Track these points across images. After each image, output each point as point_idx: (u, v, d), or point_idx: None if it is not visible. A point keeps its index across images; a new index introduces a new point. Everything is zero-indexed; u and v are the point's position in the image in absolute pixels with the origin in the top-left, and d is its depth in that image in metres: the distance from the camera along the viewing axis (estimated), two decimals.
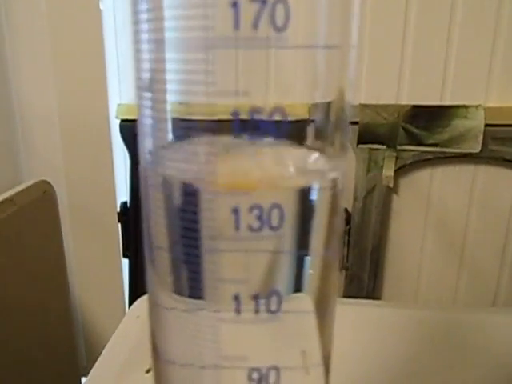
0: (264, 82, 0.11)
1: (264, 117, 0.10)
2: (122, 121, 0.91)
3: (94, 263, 0.98)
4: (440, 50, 0.83)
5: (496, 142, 0.84)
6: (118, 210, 0.95)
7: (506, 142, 0.84)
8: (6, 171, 0.91)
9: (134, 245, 0.95)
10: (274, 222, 0.11)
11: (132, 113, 0.90)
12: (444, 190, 0.89)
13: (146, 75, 0.12)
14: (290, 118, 0.11)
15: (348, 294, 0.89)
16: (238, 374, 0.13)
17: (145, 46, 0.12)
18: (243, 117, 0.10)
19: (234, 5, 0.09)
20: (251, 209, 0.11)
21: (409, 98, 0.85)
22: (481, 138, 0.83)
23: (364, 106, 0.84)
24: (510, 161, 0.85)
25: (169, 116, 0.12)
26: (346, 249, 0.88)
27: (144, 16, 0.11)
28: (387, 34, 0.83)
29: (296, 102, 0.12)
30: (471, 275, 0.92)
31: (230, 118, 0.11)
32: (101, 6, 0.87)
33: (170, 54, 0.11)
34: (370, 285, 0.91)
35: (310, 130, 0.13)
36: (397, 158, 0.86)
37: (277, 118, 0.10)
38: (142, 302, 0.42)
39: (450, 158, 0.86)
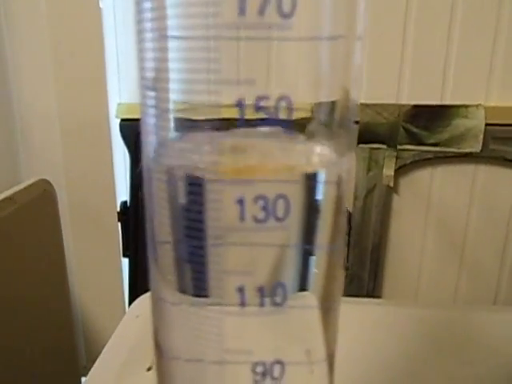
0: (268, 76, 0.11)
1: (270, 104, 0.10)
2: (122, 120, 0.91)
3: (93, 262, 0.98)
4: (440, 50, 0.83)
5: (496, 142, 0.84)
6: (118, 209, 0.95)
7: (506, 141, 0.84)
8: (5, 170, 0.91)
9: (133, 244, 0.95)
10: (280, 212, 0.11)
11: (132, 112, 0.90)
12: (444, 190, 0.89)
13: (150, 74, 0.12)
14: (294, 107, 0.10)
15: (348, 294, 0.89)
16: (242, 368, 0.12)
17: (148, 45, 0.12)
18: (249, 105, 0.10)
19: None
20: (256, 199, 0.11)
21: (409, 98, 0.85)
22: (481, 137, 0.83)
23: (364, 106, 0.84)
24: (510, 160, 0.85)
25: (172, 115, 0.12)
26: (346, 248, 0.88)
27: (148, 14, 0.11)
28: (387, 34, 0.83)
29: (300, 100, 0.12)
30: (471, 274, 0.92)
31: (235, 116, 0.11)
32: (101, 5, 0.87)
33: (173, 50, 0.11)
34: (371, 284, 0.91)
35: (314, 129, 0.12)
36: (397, 157, 0.86)
37: (283, 106, 0.10)
38: (142, 301, 0.42)
39: (451, 158, 0.86)
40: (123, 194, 0.96)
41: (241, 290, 0.11)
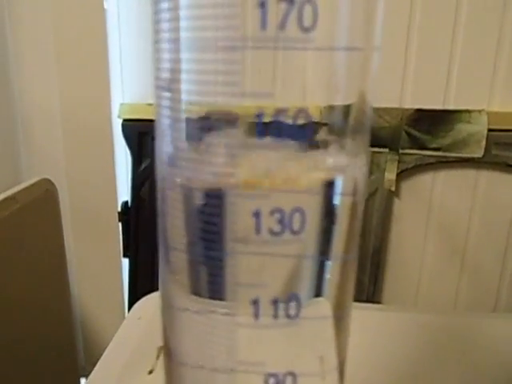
0: (287, 83, 0.11)
1: (288, 119, 0.10)
2: (125, 120, 0.91)
3: (94, 262, 0.98)
4: (444, 54, 0.83)
5: (499, 147, 0.84)
6: (119, 209, 0.95)
7: (508, 147, 0.84)
8: (7, 169, 0.91)
9: (134, 244, 0.95)
10: (296, 225, 0.11)
11: (134, 112, 0.90)
12: (446, 195, 0.89)
13: (166, 75, 0.12)
14: (312, 119, 0.10)
15: None
16: (254, 378, 0.12)
17: (165, 46, 0.12)
18: (266, 119, 0.10)
19: (262, 5, 0.09)
20: (272, 212, 0.11)
21: (412, 102, 0.85)
22: (484, 142, 0.83)
23: None
24: None
25: (188, 116, 0.12)
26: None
27: (165, 15, 0.11)
28: (391, 38, 0.83)
29: (317, 103, 0.12)
30: (472, 279, 0.92)
31: (252, 119, 0.11)
32: (105, 5, 0.87)
33: (191, 55, 0.11)
34: (371, 288, 0.91)
35: (325, 133, 0.12)
36: (399, 161, 0.86)
37: (300, 120, 0.10)
38: (144, 303, 0.42)
39: (453, 163, 0.86)
40: (124, 194, 0.96)
41: (255, 302, 0.11)
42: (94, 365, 0.34)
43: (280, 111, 0.10)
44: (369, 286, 0.91)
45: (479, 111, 0.83)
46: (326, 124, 0.12)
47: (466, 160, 0.85)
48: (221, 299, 0.12)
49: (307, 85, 0.11)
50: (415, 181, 0.89)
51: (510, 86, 0.83)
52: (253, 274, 0.12)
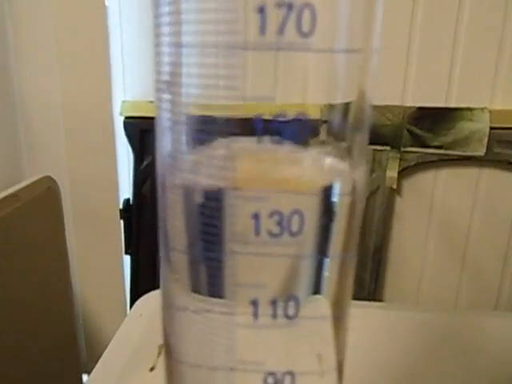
0: (288, 85, 0.11)
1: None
2: (126, 118, 0.91)
3: (95, 259, 0.98)
4: (446, 52, 0.83)
5: (501, 145, 0.84)
6: (121, 206, 0.95)
7: (510, 145, 0.84)
8: (8, 167, 0.91)
9: (136, 242, 0.96)
10: (294, 227, 0.11)
11: (136, 110, 0.90)
12: (448, 193, 0.89)
13: (167, 78, 0.12)
14: (311, 120, 0.10)
15: None
16: (253, 377, 0.13)
17: (165, 49, 0.12)
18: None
19: (261, 10, 0.09)
20: (271, 214, 0.11)
21: (414, 100, 0.85)
22: (486, 140, 0.83)
23: None
24: None
25: (188, 118, 0.12)
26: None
27: (166, 19, 0.11)
28: (393, 35, 0.82)
29: (317, 102, 0.12)
30: (473, 277, 0.92)
31: (251, 117, 0.11)
32: (106, 3, 0.87)
33: (192, 59, 0.11)
34: (372, 285, 0.91)
35: (325, 131, 0.13)
36: (401, 159, 0.86)
37: (300, 121, 0.10)
38: (145, 300, 0.42)
39: (455, 161, 0.86)
40: (126, 191, 0.96)
41: (254, 302, 0.12)
42: (96, 361, 0.34)
43: (279, 114, 0.10)
44: (370, 283, 0.91)
45: (481, 109, 0.83)
46: (325, 122, 0.12)
47: (467, 158, 0.85)
48: (220, 298, 0.12)
49: (307, 84, 0.12)
50: (417, 179, 0.89)
51: None
52: (252, 275, 0.12)
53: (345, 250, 0.13)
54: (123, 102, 0.91)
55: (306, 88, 0.11)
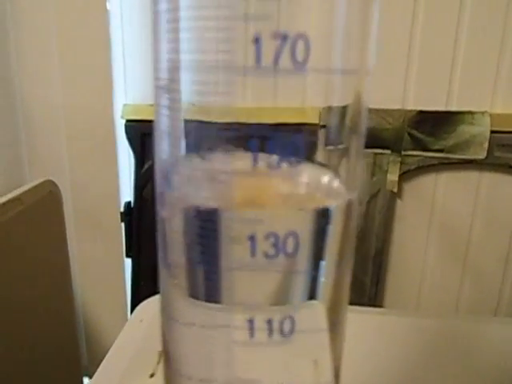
0: (285, 89, 0.11)
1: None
2: (128, 121, 0.91)
3: (96, 262, 0.98)
4: (446, 56, 0.83)
5: (501, 149, 0.84)
6: (122, 209, 0.95)
7: (511, 148, 0.84)
8: (10, 171, 0.92)
9: (136, 245, 0.96)
10: (289, 248, 0.11)
11: (137, 113, 0.90)
12: (448, 196, 0.89)
13: (164, 75, 0.12)
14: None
15: (350, 298, 0.89)
16: None
17: (164, 47, 0.12)
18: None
19: (256, 41, 0.09)
20: (267, 236, 0.11)
21: (415, 103, 0.85)
22: (486, 144, 0.83)
23: (369, 111, 0.84)
24: None
25: (185, 123, 0.12)
26: (352, 262, 0.88)
27: (165, 26, 0.11)
28: (393, 39, 0.83)
29: (311, 105, 0.12)
30: (474, 281, 0.92)
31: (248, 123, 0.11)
32: (108, 7, 0.88)
33: (189, 67, 0.11)
34: (373, 289, 0.91)
35: (323, 136, 0.13)
36: (401, 162, 0.86)
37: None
38: (146, 305, 0.42)
39: (455, 164, 0.86)
40: (127, 194, 0.96)
41: (250, 321, 0.12)
42: (97, 364, 0.34)
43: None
44: (370, 287, 0.91)
45: (482, 113, 0.83)
46: (324, 126, 0.12)
47: (468, 162, 0.85)
48: (218, 311, 0.12)
49: (305, 89, 0.12)
50: (417, 182, 0.89)
51: None
52: (247, 294, 0.12)
53: (339, 260, 0.13)
54: (124, 105, 0.91)
55: (304, 92, 0.11)
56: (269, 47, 0.10)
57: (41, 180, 0.66)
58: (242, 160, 0.11)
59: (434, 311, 0.94)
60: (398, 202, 0.90)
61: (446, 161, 0.86)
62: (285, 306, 0.12)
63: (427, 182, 0.89)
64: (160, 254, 0.14)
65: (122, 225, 0.96)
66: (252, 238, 0.11)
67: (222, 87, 0.11)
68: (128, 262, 0.98)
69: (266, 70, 0.10)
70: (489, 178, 0.87)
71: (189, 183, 0.12)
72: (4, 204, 0.57)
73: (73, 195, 0.93)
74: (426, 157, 0.86)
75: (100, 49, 0.87)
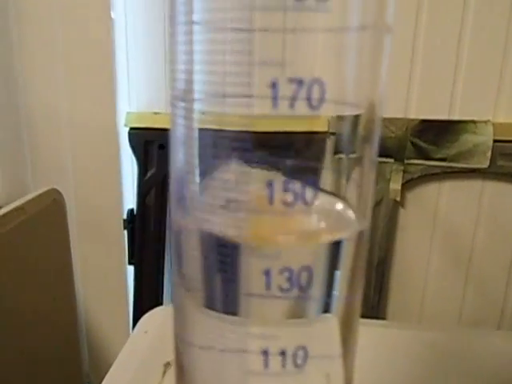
0: None
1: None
2: (131, 129, 0.91)
3: (99, 269, 0.98)
4: (449, 65, 0.83)
5: (504, 158, 0.84)
6: (125, 217, 0.95)
7: None
8: (14, 180, 0.92)
9: (139, 252, 0.96)
10: (303, 282, 0.12)
11: (141, 121, 0.90)
12: (451, 205, 0.89)
13: (181, 85, 0.12)
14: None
15: None
16: None
17: (180, 57, 0.12)
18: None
19: (273, 85, 0.10)
20: (282, 271, 0.11)
21: (417, 112, 0.85)
22: (489, 153, 0.83)
23: None
24: None
25: (200, 132, 0.12)
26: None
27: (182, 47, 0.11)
28: (396, 48, 0.83)
29: (326, 114, 0.12)
30: (477, 290, 0.92)
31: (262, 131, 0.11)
32: (112, 15, 0.88)
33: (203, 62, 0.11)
34: (375, 298, 0.91)
35: (332, 145, 0.13)
36: (404, 171, 0.86)
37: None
38: (150, 316, 0.42)
39: (458, 173, 0.86)
40: (130, 201, 0.96)
41: (265, 352, 0.12)
42: (99, 372, 0.34)
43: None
44: (373, 295, 0.91)
45: (485, 122, 0.83)
46: (333, 134, 0.13)
47: (471, 170, 0.85)
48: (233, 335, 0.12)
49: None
50: (420, 191, 0.89)
51: None
52: (262, 325, 0.12)
53: (351, 290, 0.13)
54: (128, 113, 0.92)
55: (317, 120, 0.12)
56: (285, 92, 0.10)
57: (45, 189, 0.66)
58: (257, 187, 0.11)
59: (437, 323, 0.93)
60: (401, 210, 0.90)
61: (448, 170, 0.86)
62: (298, 335, 0.12)
63: (430, 191, 0.89)
64: (174, 269, 0.14)
65: (125, 232, 0.96)
66: (267, 273, 0.11)
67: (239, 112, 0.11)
68: (130, 269, 0.98)
69: (283, 113, 0.10)
70: (492, 187, 0.87)
71: (205, 206, 0.12)
72: (7, 213, 0.57)
73: (76, 203, 0.93)
74: (428, 166, 0.86)
75: (104, 57, 0.88)
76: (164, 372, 0.34)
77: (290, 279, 0.11)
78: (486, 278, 0.91)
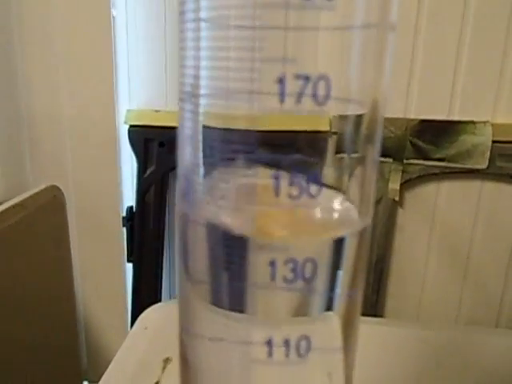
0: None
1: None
2: (131, 126, 0.91)
3: (98, 266, 0.98)
4: (449, 66, 0.83)
5: (503, 159, 0.84)
6: (124, 214, 0.96)
7: None
8: (13, 176, 0.92)
9: (138, 249, 0.96)
10: (307, 273, 0.12)
11: (141, 119, 0.91)
12: (450, 205, 0.89)
13: (189, 81, 0.13)
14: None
15: None
16: None
17: (189, 53, 0.12)
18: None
19: (280, 81, 0.10)
20: (286, 262, 0.12)
21: (417, 113, 0.86)
22: (488, 154, 0.83)
23: None
24: None
25: (206, 130, 0.12)
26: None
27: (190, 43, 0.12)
28: (396, 48, 0.83)
29: (330, 112, 0.12)
30: (475, 291, 0.92)
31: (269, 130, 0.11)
32: (113, 13, 0.88)
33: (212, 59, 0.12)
34: (373, 297, 0.92)
35: (333, 144, 0.13)
36: (403, 171, 0.87)
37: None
38: (150, 313, 0.43)
39: (457, 174, 0.87)
40: (129, 199, 0.96)
41: (269, 342, 0.12)
42: (97, 369, 0.34)
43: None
44: (371, 295, 0.91)
45: (484, 122, 0.83)
46: (335, 133, 0.13)
47: (470, 171, 0.85)
48: (239, 324, 0.13)
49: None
50: (419, 191, 0.90)
51: None
52: (266, 316, 0.13)
53: (353, 286, 0.14)
54: (128, 110, 0.92)
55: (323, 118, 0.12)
56: (292, 87, 0.10)
57: (45, 185, 0.66)
58: (263, 182, 0.12)
59: (435, 321, 0.94)
60: (400, 210, 0.91)
61: (447, 170, 0.86)
62: (301, 326, 0.13)
63: (429, 191, 0.89)
64: (179, 262, 0.14)
65: (124, 230, 0.96)
66: (272, 264, 0.12)
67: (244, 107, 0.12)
68: (129, 266, 0.98)
69: (289, 109, 0.10)
70: (490, 188, 0.87)
71: (211, 199, 0.13)
72: (7, 209, 0.58)
73: (75, 200, 0.93)
74: (427, 166, 0.86)
75: (104, 55, 0.88)
76: (164, 367, 0.34)
77: (294, 270, 0.12)
78: (484, 277, 0.91)
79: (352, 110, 0.12)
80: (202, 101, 0.12)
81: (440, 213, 0.90)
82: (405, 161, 0.86)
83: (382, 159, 0.87)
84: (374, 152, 0.13)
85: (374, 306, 0.91)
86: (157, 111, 0.90)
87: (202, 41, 0.12)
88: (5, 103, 0.90)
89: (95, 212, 0.96)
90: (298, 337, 0.12)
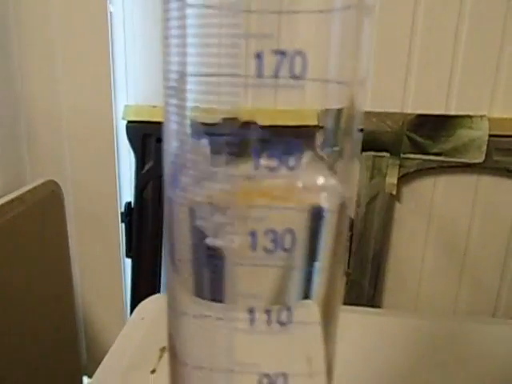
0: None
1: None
2: (129, 122, 0.92)
3: (96, 262, 0.99)
4: (446, 60, 0.83)
5: (500, 153, 0.85)
6: (122, 210, 0.96)
7: (509, 152, 0.85)
8: (11, 171, 0.92)
9: (137, 245, 0.96)
10: (287, 244, 0.12)
11: (139, 114, 0.91)
12: (447, 199, 0.90)
13: (174, 76, 0.13)
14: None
15: (348, 300, 0.90)
16: (249, 378, 0.14)
17: (173, 50, 0.12)
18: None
19: (258, 56, 0.10)
20: (266, 232, 0.12)
21: (414, 107, 0.86)
22: (485, 148, 0.84)
23: (369, 114, 0.85)
24: None
25: (192, 123, 0.13)
26: (347, 255, 0.89)
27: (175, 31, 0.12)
28: (393, 43, 0.83)
29: (306, 107, 0.13)
30: (472, 284, 0.93)
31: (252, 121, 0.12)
32: (110, 9, 0.89)
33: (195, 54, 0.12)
34: (371, 291, 0.92)
35: (320, 137, 0.13)
36: (400, 165, 0.87)
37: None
38: (147, 303, 0.43)
39: (454, 168, 0.87)
40: (128, 195, 0.97)
41: (251, 310, 0.13)
42: (97, 364, 0.35)
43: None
44: (369, 289, 0.92)
45: (480, 117, 0.84)
46: (322, 127, 0.13)
47: (466, 165, 0.86)
48: (221, 303, 0.13)
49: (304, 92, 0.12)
50: (416, 185, 0.90)
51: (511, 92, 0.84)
52: (248, 285, 0.13)
53: (333, 257, 0.14)
54: (126, 106, 0.92)
55: (302, 98, 0.12)
56: (269, 63, 0.11)
57: (43, 180, 0.66)
58: (245, 162, 0.12)
59: (432, 313, 0.94)
60: (397, 204, 0.91)
61: (444, 164, 0.86)
62: (282, 293, 0.13)
63: (426, 185, 0.90)
64: (166, 249, 0.14)
65: (123, 225, 0.96)
66: (253, 234, 0.12)
67: (225, 97, 0.12)
68: (128, 262, 0.98)
69: (267, 83, 0.11)
70: (487, 182, 0.88)
71: (195, 184, 0.13)
72: (5, 204, 0.58)
73: (73, 195, 0.94)
74: (424, 160, 0.87)
75: (102, 50, 0.88)
76: (160, 356, 0.35)
77: (274, 241, 0.12)
78: (481, 271, 0.92)
79: (331, 90, 0.12)
80: (188, 86, 0.13)
81: (437, 207, 0.90)
82: (402, 155, 0.87)
83: (379, 154, 0.87)
84: (355, 124, 0.14)
85: (371, 300, 0.92)
86: (155, 107, 0.90)
87: (187, 27, 0.12)
88: (2, 99, 0.90)
89: (93, 207, 0.96)
90: (280, 306, 0.13)
